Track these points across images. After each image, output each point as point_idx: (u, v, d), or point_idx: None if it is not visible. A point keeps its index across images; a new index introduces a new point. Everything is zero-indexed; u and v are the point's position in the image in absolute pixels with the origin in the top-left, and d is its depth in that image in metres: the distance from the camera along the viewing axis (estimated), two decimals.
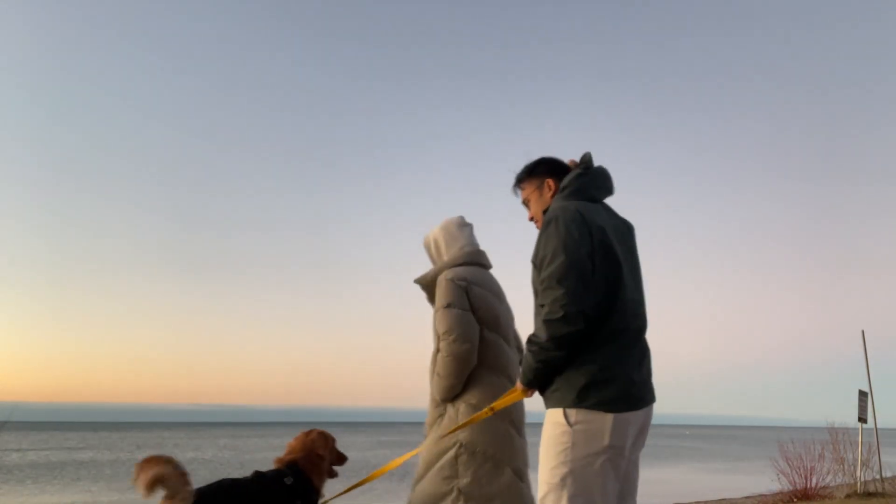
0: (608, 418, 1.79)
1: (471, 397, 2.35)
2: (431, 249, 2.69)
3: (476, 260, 2.59)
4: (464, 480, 2.26)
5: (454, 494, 2.27)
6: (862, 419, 9.68)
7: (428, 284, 2.59)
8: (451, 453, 2.31)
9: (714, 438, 68.75)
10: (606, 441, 1.78)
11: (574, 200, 1.98)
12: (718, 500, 12.33)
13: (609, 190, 2.14)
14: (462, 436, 2.30)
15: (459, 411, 2.36)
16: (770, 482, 9.85)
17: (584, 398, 1.80)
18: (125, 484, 17.98)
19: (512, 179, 2.24)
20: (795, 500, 8.99)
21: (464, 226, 2.68)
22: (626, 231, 2.07)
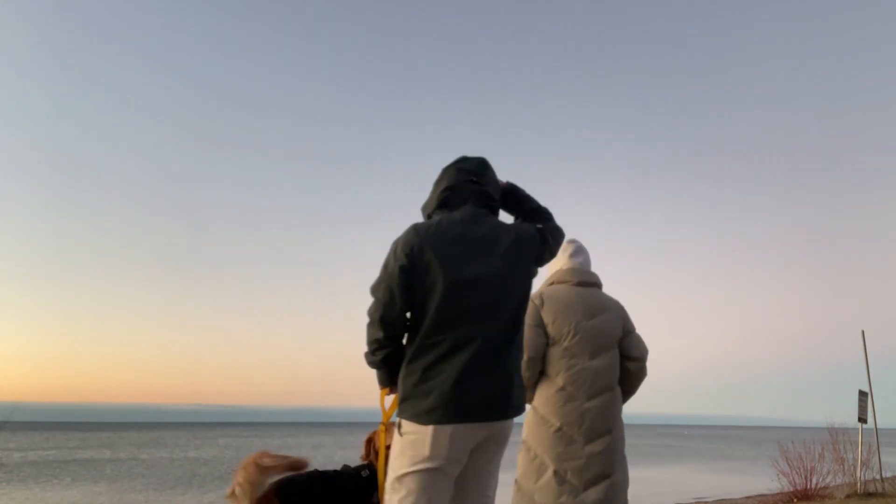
0: (427, 430, 1.85)
1: (536, 401, 2.70)
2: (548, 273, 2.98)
3: (563, 279, 2.85)
4: (519, 472, 2.65)
5: (515, 484, 2.66)
6: (862, 419, 9.66)
7: None
8: (520, 448, 2.70)
9: (714, 438, 68.65)
10: (427, 452, 1.85)
11: (434, 218, 2.09)
12: (718, 500, 12.32)
13: (472, 184, 2.10)
14: (525, 435, 2.69)
15: (529, 414, 2.71)
16: (770, 482, 9.84)
17: (404, 409, 1.93)
18: (126, 483, 18.03)
19: None
20: (795, 500, 8.98)
21: (565, 248, 2.93)
22: (492, 240, 2.00)
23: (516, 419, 2.12)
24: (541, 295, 2.78)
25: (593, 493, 2.52)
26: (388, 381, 2.07)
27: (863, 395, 9.80)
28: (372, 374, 2.16)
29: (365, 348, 2.07)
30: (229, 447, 40.18)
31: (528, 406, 2.79)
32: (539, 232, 2.12)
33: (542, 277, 3.08)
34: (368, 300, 2.05)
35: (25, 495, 15.06)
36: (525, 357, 2.60)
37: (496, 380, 1.92)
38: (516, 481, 2.64)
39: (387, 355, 2.02)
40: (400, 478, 1.91)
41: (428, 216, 2.15)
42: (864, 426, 9.70)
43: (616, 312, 2.84)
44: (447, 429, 1.85)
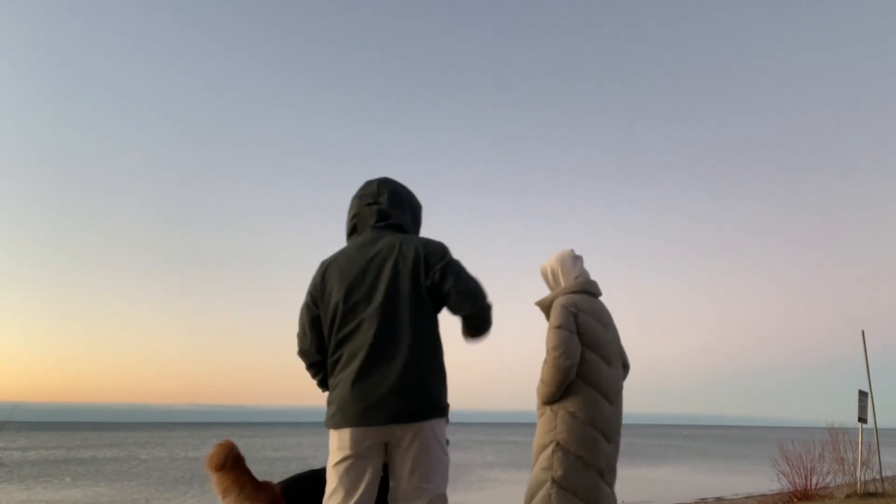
0: (333, 433, 2.17)
1: (569, 405, 2.83)
2: (549, 277, 3.15)
3: (587, 289, 3.05)
4: (558, 473, 2.76)
5: (549, 483, 2.76)
6: (862, 419, 9.64)
7: (546, 307, 3.06)
8: (550, 449, 2.82)
9: (714, 438, 68.68)
10: (335, 449, 2.17)
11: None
12: (718, 499, 12.34)
13: (371, 209, 2.33)
14: (560, 436, 2.81)
15: (557, 415, 2.85)
16: (770, 482, 9.84)
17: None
18: (126, 483, 18.03)
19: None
20: (795, 500, 8.98)
21: (576, 258, 3.15)
22: (384, 256, 2.20)
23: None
24: (574, 304, 2.94)
25: (610, 482, 2.90)
26: None
27: (863, 395, 9.78)
28: None
29: None
30: None
31: (547, 408, 2.91)
32: (427, 258, 2.20)
33: (539, 284, 3.23)
34: None
35: (26, 495, 15.08)
36: (568, 363, 2.81)
37: (381, 387, 2.10)
38: (554, 480, 2.76)
39: (322, 379, 2.35)
40: (329, 472, 2.21)
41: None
42: (864, 426, 9.67)
43: (615, 324, 3.12)
44: (345, 432, 2.13)
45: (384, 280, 2.16)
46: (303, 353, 2.34)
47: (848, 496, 8.78)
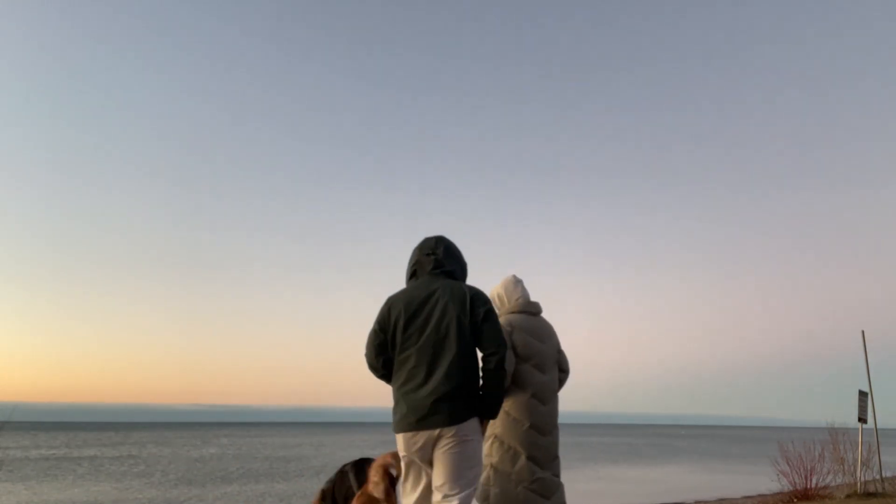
0: (396, 436, 2.80)
1: (506, 405, 3.36)
2: (496, 300, 3.69)
3: (524, 309, 3.60)
4: (494, 459, 3.33)
5: (489, 469, 3.33)
6: (862, 419, 9.66)
7: None
8: (490, 441, 3.38)
9: (713, 438, 68.79)
10: (398, 449, 2.83)
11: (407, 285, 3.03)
12: (718, 499, 12.37)
13: (429, 258, 2.96)
14: (497, 430, 3.37)
15: (500, 417, 3.38)
16: (770, 482, 9.86)
17: None
18: (127, 482, 18.05)
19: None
20: (795, 500, 9.01)
21: (517, 282, 3.72)
22: (439, 296, 2.83)
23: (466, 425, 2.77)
24: (510, 323, 3.48)
25: (551, 468, 3.43)
26: None
27: (863, 395, 9.79)
28: (370, 375, 2.96)
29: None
30: (230, 447, 40.32)
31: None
32: (472, 300, 2.83)
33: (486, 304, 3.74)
34: (366, 307, 2.68)
35: (28, 494, 15.11)
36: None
37: (425, 400, 2.70)
38: (492, 466, 3.32)
39: (386, 382, 2.96)
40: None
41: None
42: (864, 426, 9.69)
43: (554, 336, 3.67)
44: (399, 436, 2.75)
45: (437, 314, 2.78)
46: (371, 367, 2.94)
47: (848, 496, 8.80)
